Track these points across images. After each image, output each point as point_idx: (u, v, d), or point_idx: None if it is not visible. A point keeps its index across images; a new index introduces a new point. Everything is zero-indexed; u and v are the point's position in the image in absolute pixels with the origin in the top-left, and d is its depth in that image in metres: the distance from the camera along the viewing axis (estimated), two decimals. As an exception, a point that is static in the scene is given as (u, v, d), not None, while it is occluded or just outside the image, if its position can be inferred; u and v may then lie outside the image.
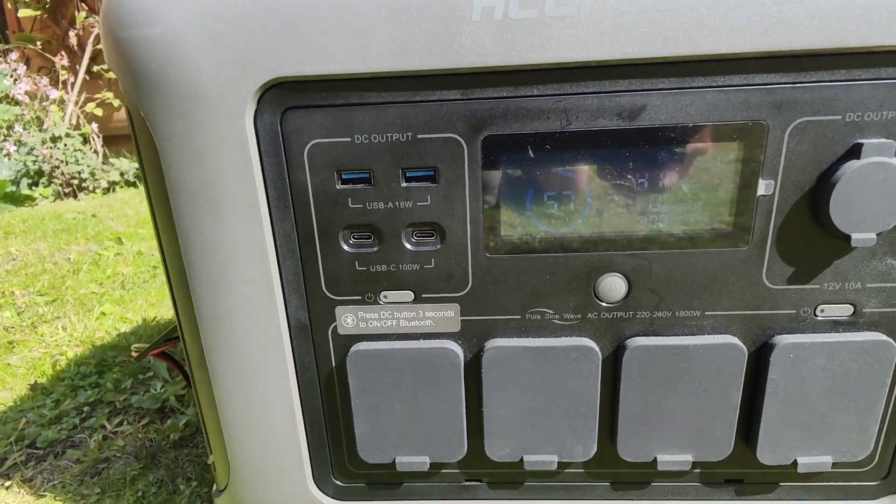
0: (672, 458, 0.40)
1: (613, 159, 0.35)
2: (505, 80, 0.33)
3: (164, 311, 1.23)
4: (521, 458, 0.41)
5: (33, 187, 2.75)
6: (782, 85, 0.32)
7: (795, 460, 0.40)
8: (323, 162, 0.36)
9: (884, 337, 0.37)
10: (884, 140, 0.33)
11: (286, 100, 0.34)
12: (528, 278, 0.38)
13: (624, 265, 0.37)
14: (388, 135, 0.35)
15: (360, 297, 0.39)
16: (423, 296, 0.39)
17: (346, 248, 0.38)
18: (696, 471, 0.42)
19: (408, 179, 0.36)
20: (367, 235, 0.37)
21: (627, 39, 0.32)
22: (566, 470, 0.43)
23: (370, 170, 0.36)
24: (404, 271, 0.38)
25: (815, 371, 0.37)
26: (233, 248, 0.37)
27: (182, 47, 0.34)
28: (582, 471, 0.43)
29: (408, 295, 0.39)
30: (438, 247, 0.37)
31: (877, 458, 0.41)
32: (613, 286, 0.37)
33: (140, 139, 0.37)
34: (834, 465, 0.40)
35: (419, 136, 0.35)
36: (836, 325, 0.37)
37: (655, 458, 0.41)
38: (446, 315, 0.39)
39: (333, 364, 0.41)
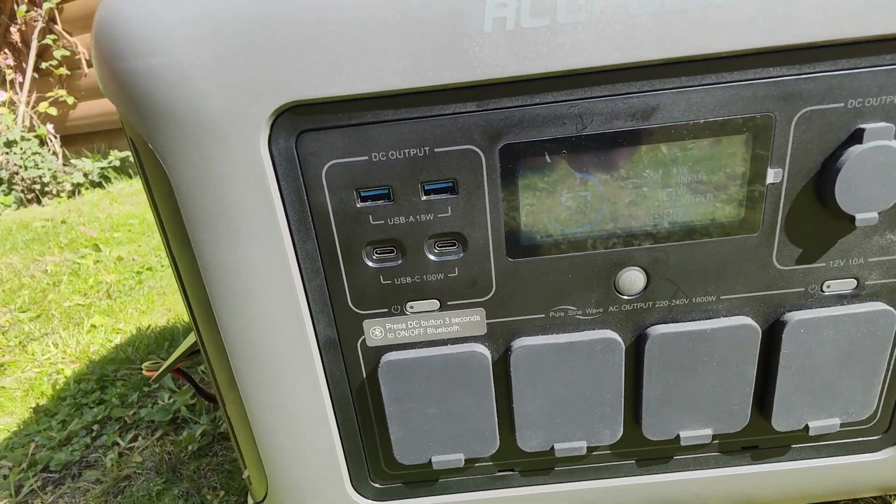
0: (694, 434, 0.43)
1: (629, 158, 0.35)
2: (519, 88, 0.33)
3: (157, 318, 1.22)
4: (552, 447, 0.43)
5: (-7, 196, 2.64)
6: (788, 77, 0.33)
7: (807, 425, 0.42)
8: (341, 182, 0.36)
9: (885, 306, 0.39)
10: (884, 124, 0.34)
11: (300, 123, 0.34)
12: (550, 278, 0.39)
13: (642, 259, 0.38)
14: (406, 150, 0.35)
15: (386, 310, 0.40)
16: (448, 303, 0.39)
17: (369, 263, 0.38)
18: (715, 442, 0.45)
19: (427, 192, 0.36)
20: (391, 249, 0.38)
21: (639, 42, 0.32)
22: (594, 453, 0.45)
23: (389, 186, 0.36)
24: (429, 281, 0.39)
25: (824, 342, 0.40)
26: (256, 272, 0.37)
27: (188, 76, 0.33)
28: (609, 452, 0.45)
29: (434, 304, 0.39)
30: (461, 255, 0.38)
31: (878, 415, 0.44)
32: (633, 279, 0.39)
33: (148, 169, 0.37)
34: (841, 425, 0.43)
35: (436, 150, 0.35)
36: (841, 299, 0.40)
37: (678, 435, 0.43)
38: (472, 319, 0.40)
39: (364, 375, 0.42)
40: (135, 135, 0.36)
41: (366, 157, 0.35)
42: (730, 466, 0.45)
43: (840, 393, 0.42)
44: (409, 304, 0.39)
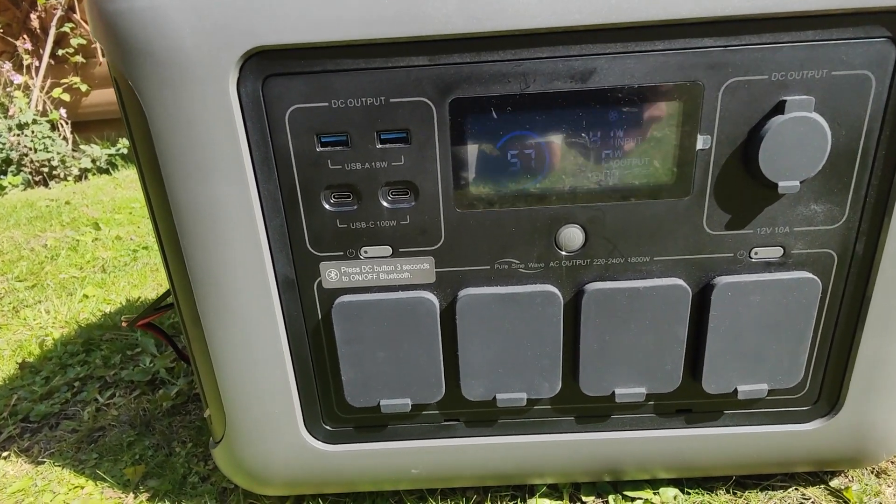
0: (628, 391, 0.45)
1: (569, 119, 0.38)
2: (468, 46, 0.36)
3: (148, 291, 1.25)
4: (494, 397, 0.45)
5: (1, 176, 2.69)
6: (715, 48, 0.36)
7: (736, 388, 0.45)
8: (303, 126, 0.39)
9: (810, 275, 0.42)
10: (804, 96, 0.37)
11: (267, 67, 0.37)
12: (495, 231, 0.41)
13: (581, 217, 0.41)
14: (363, 99, 0.38)
15: (342, 253, 0.42)
16: (400, 250, 0.42)
17: (327, 207, 0.41)
18: (650, 402, 0.47)
19: (382, 141, 0.39)
20: (347, 195, 0.41)
21: (576, 7, 0.35)
22: (535, 407, 0.47)
23: (347, 133, 0.39)
24: (382, 228, 0.41)
25: (751, 307, 0.42)
26: (221, 210, 0.40)
27: (166, 18, 0.36)
28: (549, 407, 0.47)
29: (386, 250, 0.42)
30: (413, 204, 0.41)
31: (808, 386, 0.46)
32: (572, 236, 0.41)
33: (128, 108, 0.40)
34: (770, 392, 0.45)
35: (391, 100, 0.38)
36: (768, 266, 0.42)
37: (614, 392, 0.45)
38: (422, 267, 0.43)
39: (319, 316, 0.44)
40: (118, 74, 0.39)
41: (326, 104, 0.38)
42: (664, 428, 0.48)
43: (767, 358, 0.44)
44: (364, 248, 0.42)
